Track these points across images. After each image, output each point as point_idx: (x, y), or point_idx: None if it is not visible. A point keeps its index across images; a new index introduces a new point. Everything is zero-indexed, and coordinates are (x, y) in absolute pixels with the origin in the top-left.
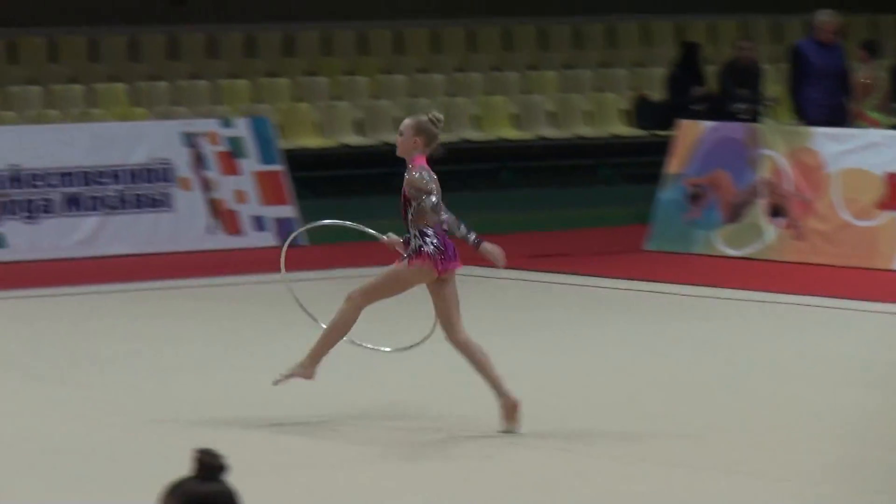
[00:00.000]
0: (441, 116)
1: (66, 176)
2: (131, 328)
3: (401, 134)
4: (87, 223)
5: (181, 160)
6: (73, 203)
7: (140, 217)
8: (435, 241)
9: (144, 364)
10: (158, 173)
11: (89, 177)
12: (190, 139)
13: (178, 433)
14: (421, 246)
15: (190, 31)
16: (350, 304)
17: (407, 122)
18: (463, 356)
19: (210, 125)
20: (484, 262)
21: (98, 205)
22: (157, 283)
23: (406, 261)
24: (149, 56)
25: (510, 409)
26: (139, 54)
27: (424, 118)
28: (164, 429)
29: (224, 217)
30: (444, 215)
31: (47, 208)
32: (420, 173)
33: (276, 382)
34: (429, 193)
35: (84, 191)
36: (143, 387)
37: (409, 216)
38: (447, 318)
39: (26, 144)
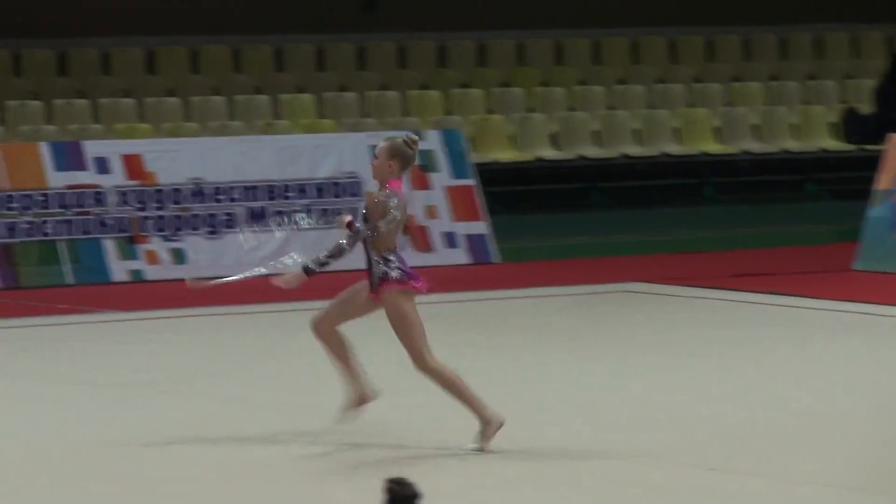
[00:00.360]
0: (416, 138)
1: (250, 190)
2: (314, 345)
3: (375, 157)
4: (272, 239)
5: (369, 174)
6: (258, 218)
7: (327, 232)
8: (398, 264)
9: (321, 383)
10: (346, 187)
11: (274, 190)
12: None
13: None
14: (385, 272)
15: (380, 40)
16: (428, 370)
17: (381, 144)
18: (324, 346)
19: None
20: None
21: (283, 219)
22: None
23: (378, 295)
24: (337, 65)
25: (359, 401)
26: (327, 64)
27: (399, 141)
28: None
29: (414, 233)
30: (343, 241)
31: (230, 223)
32: (388, 198)
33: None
34: (376, 226)
35: (268, 205)
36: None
37: (367, 241)
38: (339, 314)
39: (209, 157)
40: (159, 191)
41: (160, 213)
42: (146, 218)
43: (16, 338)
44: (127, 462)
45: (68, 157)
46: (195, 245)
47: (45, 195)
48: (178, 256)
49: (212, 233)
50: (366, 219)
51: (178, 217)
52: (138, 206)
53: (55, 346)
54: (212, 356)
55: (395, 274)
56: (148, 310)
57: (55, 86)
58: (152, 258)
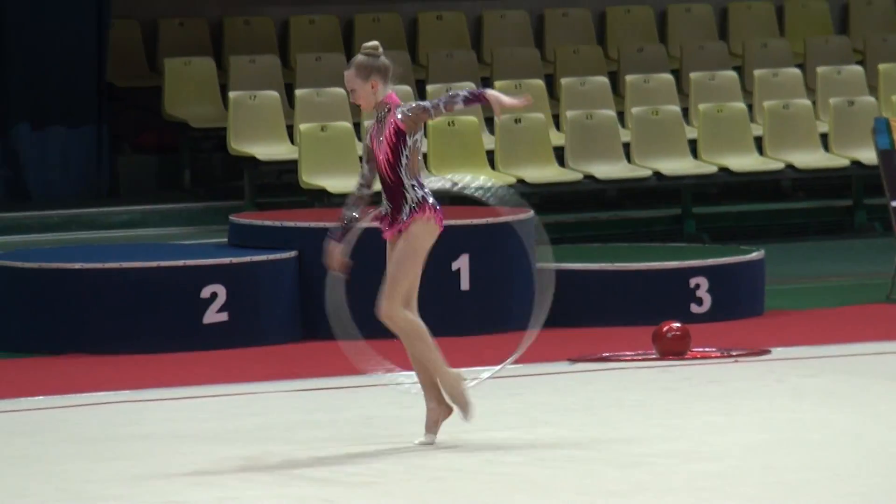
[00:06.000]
0: (374, 42)
1: None
2: None
3: (352, 91)
4: None
5: None
6: None
7: None
8: (427, 190)
9: None
10: None
11: None
12: None
13: None
14: (424, 196)
15: None
16: (393, 322)
17: (347, 74)
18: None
19: None
20: None
21: None
22: None
23: (408, 222)
24: None
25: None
26: None
27: (361, 57)
28: None
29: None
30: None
31: None
32: (408, 105)
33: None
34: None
35: None
36: None
37: (402, 166)
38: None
39: None
40: None
41: None
42: None
43: None
44: None
45: None
46: None
47: None
48: None
49: None
50: (399, 147)
51: None
52: None
53: None
54: None
55: (432, 200)
56: None
57: None
58: None
